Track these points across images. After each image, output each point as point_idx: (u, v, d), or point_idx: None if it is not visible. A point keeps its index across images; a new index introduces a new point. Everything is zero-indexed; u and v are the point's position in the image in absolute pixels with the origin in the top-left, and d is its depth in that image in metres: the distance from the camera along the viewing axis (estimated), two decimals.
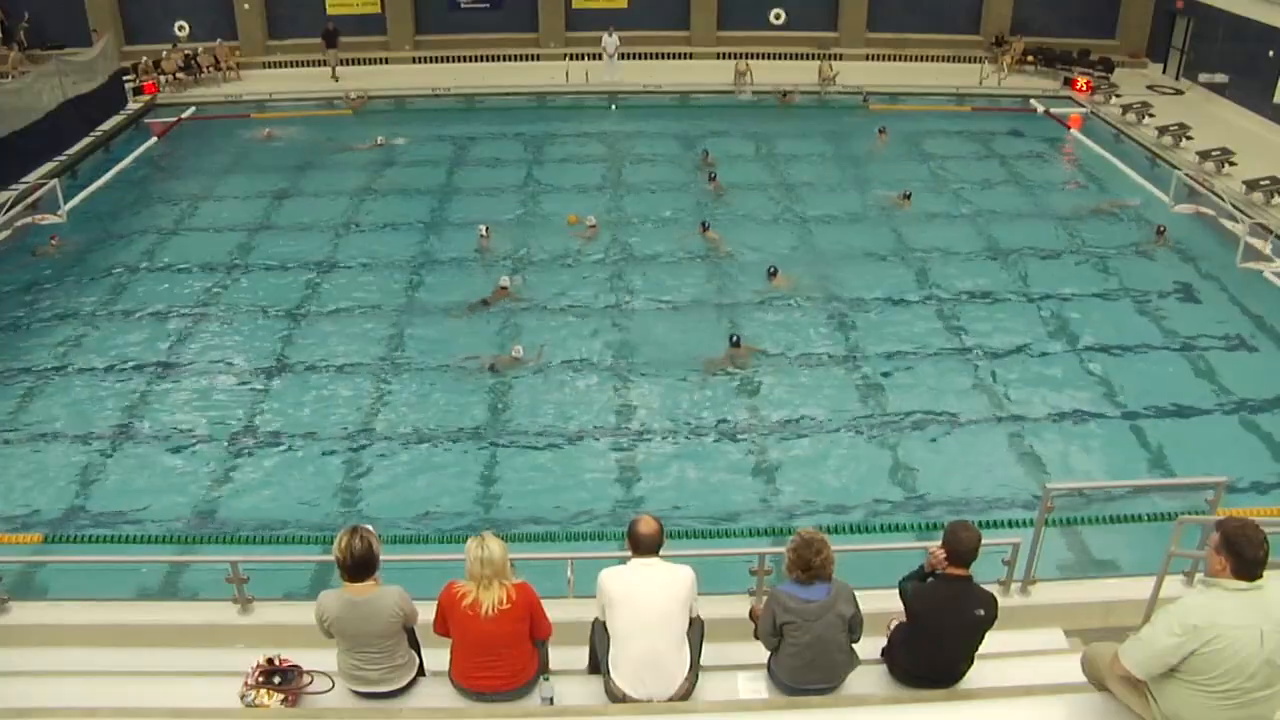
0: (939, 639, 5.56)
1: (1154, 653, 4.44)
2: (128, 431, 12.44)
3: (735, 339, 13.85)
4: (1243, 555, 4.36)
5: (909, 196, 19.24)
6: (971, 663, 5.70)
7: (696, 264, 17.03)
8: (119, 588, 8.91)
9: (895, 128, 24.57)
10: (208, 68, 28.01)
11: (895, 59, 29.53)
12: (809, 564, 5.35)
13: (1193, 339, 14.31)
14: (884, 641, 5.95)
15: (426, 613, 5.57)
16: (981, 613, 5.50)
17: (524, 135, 23.93)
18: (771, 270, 16.04)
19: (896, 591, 5.76)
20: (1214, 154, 20.60)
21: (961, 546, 5.46)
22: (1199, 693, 4.37)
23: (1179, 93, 26.77)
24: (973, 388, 13.25)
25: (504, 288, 15.67)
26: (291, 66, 29.11)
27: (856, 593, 5.57)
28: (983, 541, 5.54)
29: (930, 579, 5.62)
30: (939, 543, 5.58)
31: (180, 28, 29.56)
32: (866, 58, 29.30)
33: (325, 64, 28.48)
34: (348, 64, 28.18)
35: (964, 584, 5.53)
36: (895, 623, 5.88)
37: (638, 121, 25.63)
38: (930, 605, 5.56)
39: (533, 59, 29.68)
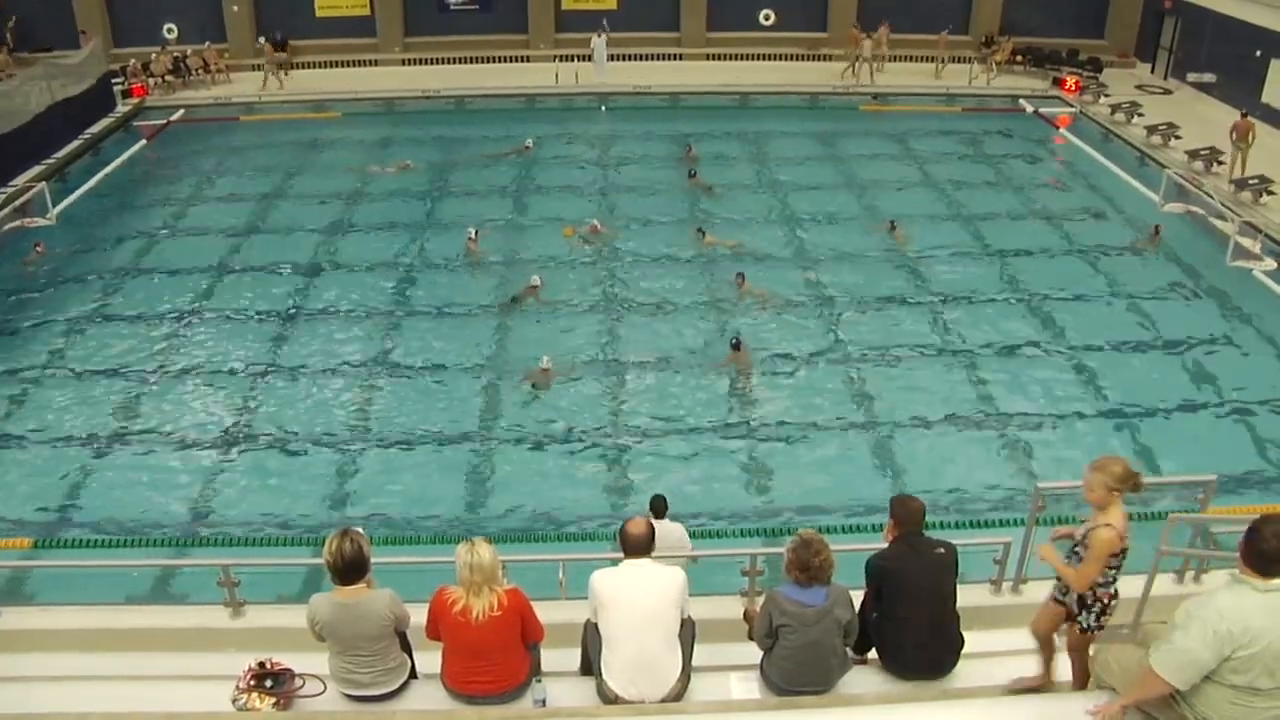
0: (911, 591, 5.62)
1: (1192, 663, 4.33)
2: (118, 435, 12.38)
3: (736, 341, 13.82)
4: (1256, 546, 4.30)
5: (894, 227, 18.09)
6: (961, 639, 5.71)
7: (691, 266, 16.99)
8: (110, 592, 8.84)
9: (886, 128, 24.69)
10: (197, 70, 27.93)
11: (885, 59, 29.52)
12: (807, 565, 5.37)
13: (1183, 337, 14.36)
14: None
15: (419, 615, 5.56)
16: (942, 550, 5.70)
17: (514, 137, 23.85)
18: (739, 276, 15.95)
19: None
20: (1203, 153, 20.70)
21: (909, 512, 5.72)
22: (1226, 692, 4.32)
23: (1167, 92, 26.89)
24: (963, 387, 13.27)
25: (534, 286, 15.61)
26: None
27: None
28: (975, 542, 5.58)
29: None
30: (890, 522, 5.78)
31: (169, 30, 29.47)
32: (856, 58, 29.28)
33: (271, 68, 28.00)
34: (342, 65, 28.05)
35: (917, 536, 5.73)
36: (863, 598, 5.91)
37: (628, 123, 25.62)
38: (894, 558, 5.71)
39: (523, 60, 29.67)
